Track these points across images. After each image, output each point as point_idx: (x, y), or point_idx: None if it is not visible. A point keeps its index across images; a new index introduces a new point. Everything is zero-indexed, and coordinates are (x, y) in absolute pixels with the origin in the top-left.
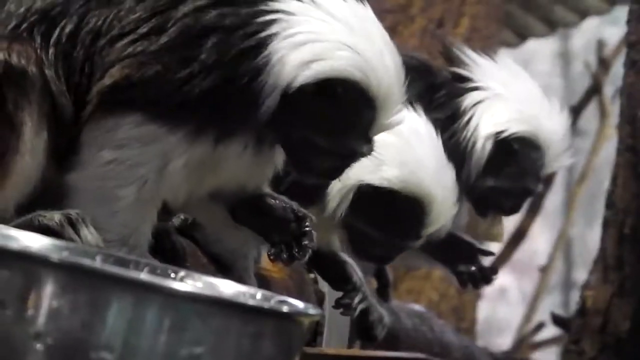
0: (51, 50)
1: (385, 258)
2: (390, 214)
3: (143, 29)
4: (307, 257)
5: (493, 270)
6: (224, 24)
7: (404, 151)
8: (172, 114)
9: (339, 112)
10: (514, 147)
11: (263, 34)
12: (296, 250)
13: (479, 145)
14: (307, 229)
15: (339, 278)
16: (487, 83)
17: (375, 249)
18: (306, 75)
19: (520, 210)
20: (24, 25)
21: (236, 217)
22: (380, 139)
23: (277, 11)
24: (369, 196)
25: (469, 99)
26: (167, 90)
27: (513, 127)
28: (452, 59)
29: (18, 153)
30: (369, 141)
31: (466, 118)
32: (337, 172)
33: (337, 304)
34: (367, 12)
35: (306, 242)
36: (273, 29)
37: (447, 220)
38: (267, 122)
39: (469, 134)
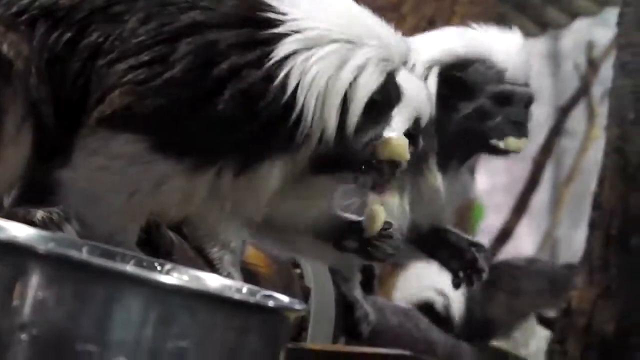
0: (46, 54)
1: None
2: None
3: (145, 57)
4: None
5: (479, 271)
6: (243, 69)
7: None
8: (172, 146)
9: None
10: (456, 75)
11: (284, 79)
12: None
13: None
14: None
15: None
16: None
17: None
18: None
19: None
20: (25, 16)
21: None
22: None
23: (293, 32)
24: None
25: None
26: (168, 124)
27: (453, 53)
28: None
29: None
30: None
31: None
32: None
33: None
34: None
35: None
36: (293, 74)
37: None
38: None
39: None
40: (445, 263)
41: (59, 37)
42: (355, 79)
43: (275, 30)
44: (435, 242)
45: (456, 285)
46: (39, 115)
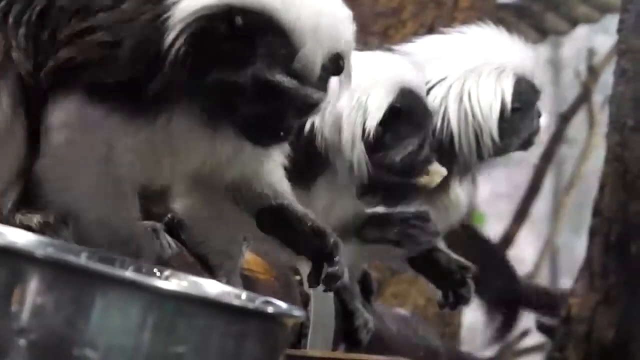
0: (21, 30)
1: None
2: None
3: (100, 14)
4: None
5: (463, 298)
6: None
7: None
8: (108, 97)
9: (243, 43)
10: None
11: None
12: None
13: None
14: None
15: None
16: None
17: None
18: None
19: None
20: (2, 4)
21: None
22: None
23: None
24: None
25: None
26: (103, 73)
27: None
28: None
29: None
30: (296, 76)
31: None
32: (280, 120)
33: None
34: None
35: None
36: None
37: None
38: (193, 86)
39: None
40: (434, 281)
41: (31, 11)
42: None
43: None
44: (426, 260)
45: (441, 306)
46: (30, 101)
